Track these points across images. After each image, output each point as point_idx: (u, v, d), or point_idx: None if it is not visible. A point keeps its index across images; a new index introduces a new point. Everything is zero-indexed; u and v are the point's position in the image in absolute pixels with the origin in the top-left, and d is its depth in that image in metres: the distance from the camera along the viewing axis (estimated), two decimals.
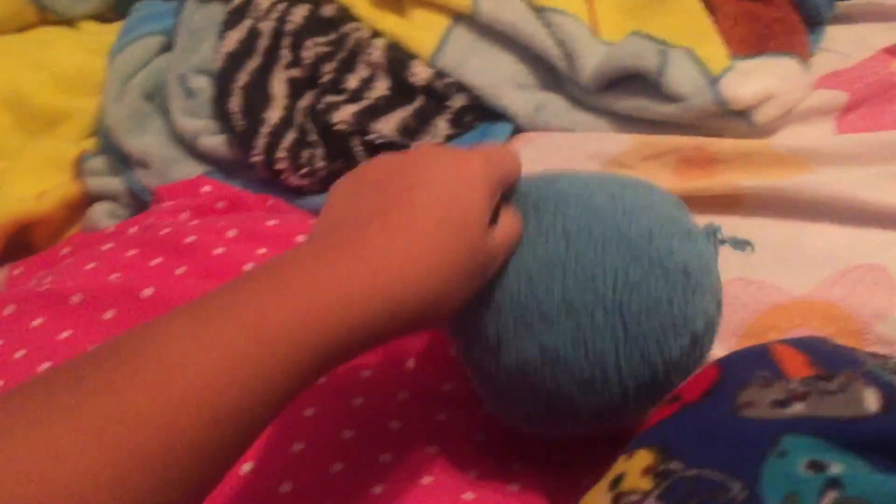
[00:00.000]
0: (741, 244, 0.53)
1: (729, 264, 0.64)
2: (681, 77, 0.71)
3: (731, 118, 0.70)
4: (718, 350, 0.59)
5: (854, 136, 0.68)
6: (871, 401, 0.34)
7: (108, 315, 0.60)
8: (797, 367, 0.41)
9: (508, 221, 0.47)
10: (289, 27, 0.82)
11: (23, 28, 0.97)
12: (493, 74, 0.79)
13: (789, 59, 0.72)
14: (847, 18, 0.80)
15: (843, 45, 0.78)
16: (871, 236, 0.63)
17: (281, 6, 0.83)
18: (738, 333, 0.60)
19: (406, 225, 0.39)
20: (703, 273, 0.47)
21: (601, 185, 0.49)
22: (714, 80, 0.70)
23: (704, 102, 0.70)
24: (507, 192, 0.48)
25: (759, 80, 0.70)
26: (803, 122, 0.71)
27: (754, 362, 0.40)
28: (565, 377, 0.45)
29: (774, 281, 0.62)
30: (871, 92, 0.71)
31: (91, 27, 0.98)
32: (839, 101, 0.71)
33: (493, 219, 0.44)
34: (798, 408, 0.34)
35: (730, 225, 0.66)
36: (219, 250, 0.64)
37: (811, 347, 0.45)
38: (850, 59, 0.75)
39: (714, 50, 0.73)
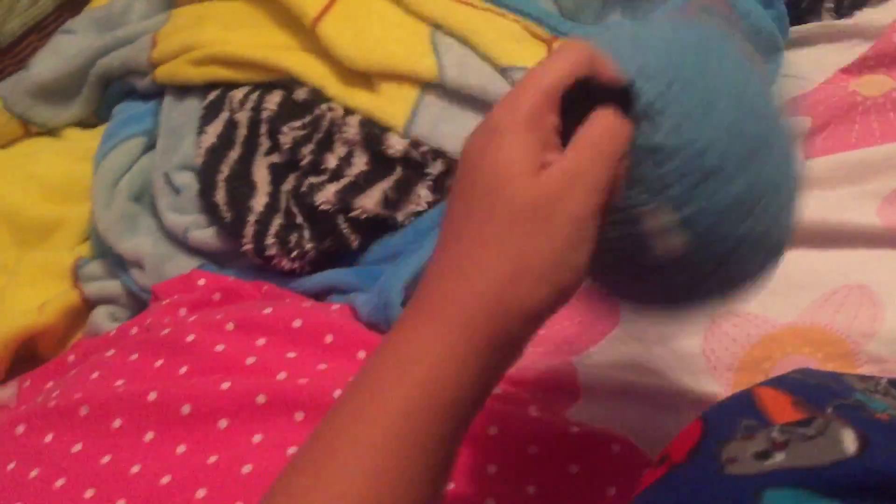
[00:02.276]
0: None
1: None
2: None
3: None
4: (714, 386, 0.61)
5: (821, 159, 0.70)
6: (849, 442, 0.35)
7: (116, 423, 0.61)
8: (781, 409, 0.42)
9: (584, 139, 0.38)
10: (264, 115, 0.84)
11: (10, 142, 1.00)
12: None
13: None
14: (804, 42, 0.83)
15: (803, 68, 0.80)
16: (851, 257, 0.64)
17: (254, 95, 0.86)
18: (732, 368, 0.61)
19: (476, 241, 0.37)
20: None
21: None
22: None
23: None
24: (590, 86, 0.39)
25: None
26: None
27: (738, 411, 0.41)
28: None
29: (761, 311, 0.64)
30: (833, 114, 0.72)
31: (74, 134, 1.00)
32: (804, 127, 0.73)
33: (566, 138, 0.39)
34: (779, 458, 0.35)
35: None
36: (219, 347, 0.66)
37: (795, 385, 0.47)
38: (811, 82, 0.77)
39: None
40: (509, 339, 0.37)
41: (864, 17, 0.81)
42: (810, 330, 0.61)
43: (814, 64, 0.79)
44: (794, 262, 0.66)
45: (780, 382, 0.46)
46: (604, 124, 0.38)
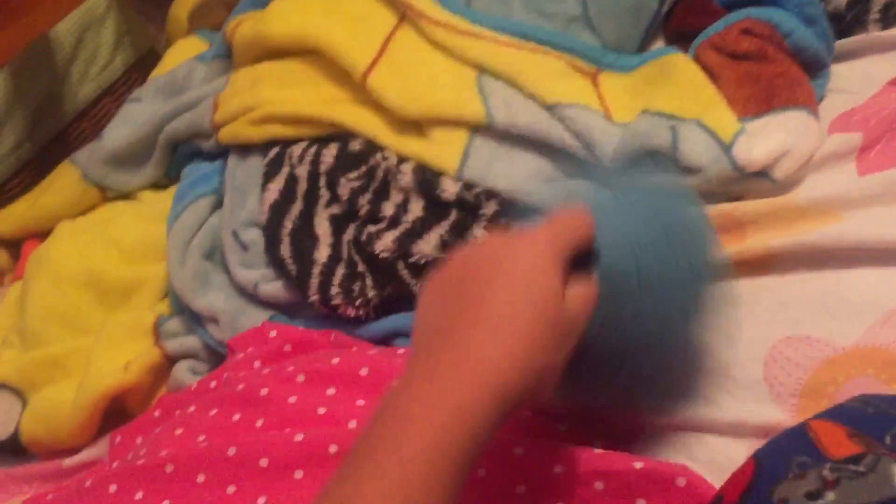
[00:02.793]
0: None
1: (775, 324, 0.66)
2: (694, 150, 0.73)
3: (752, 179, 0.72)
4: (778, 414, 0.61)
5: (874, 176, 0.69)
6: None
7: (200, 479, 0.64)
8: (837, 443, 0.42)
9: (581, 290, 0.50)
10: (322, 168, 0.88)
11: (88, 209, 1.06)
12: (519, 175, 0.82)
13: (797, 112, 0.74)
14: (851, 55, 0.82)
15: (851, 82, 0.79)
16: None
17: (312, 150, 0.89)
18: (796, 394, 0.61)
19: (491, 321, 0.44)
20: None
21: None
22: (727, 148, 0.72)
23: (721, 170, 0.72)
24: (584, 254, 0.53)
25: (770, 138, 0.72)
26: (824, 170, 0.73)
27: (792, 448, 0.41)
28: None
29: (822, 334, 0.63)
30: (884, 128, 0.72)
31: (148, 196, 1.06)
32: (855, 143, 0.72)
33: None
34: (830, 498, 0.36)
35: (768, 284, 0.68)
36: (292, 399, 0.69)
37: (852, 415, 0.47)
38: (860, 96, 0.77)
39: (722, 116, 0.75)
40: (509, 413, 0.44)
41: None
42: (873, 352, 0.60)
43: (862, 77, 0.79)
44: (852, 282, 0.65)
45: (836, 414, 0.47)
46: (586, 289, 0.51)
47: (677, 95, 0.80)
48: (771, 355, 0.63)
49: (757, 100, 0.76)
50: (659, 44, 0.91)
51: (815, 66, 0.79)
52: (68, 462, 0.86)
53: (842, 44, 0.82)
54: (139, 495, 0.65)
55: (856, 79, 0.79)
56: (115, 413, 0.89)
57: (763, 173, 0.72)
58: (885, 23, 0.81)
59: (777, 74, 0.76)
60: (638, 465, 0.58)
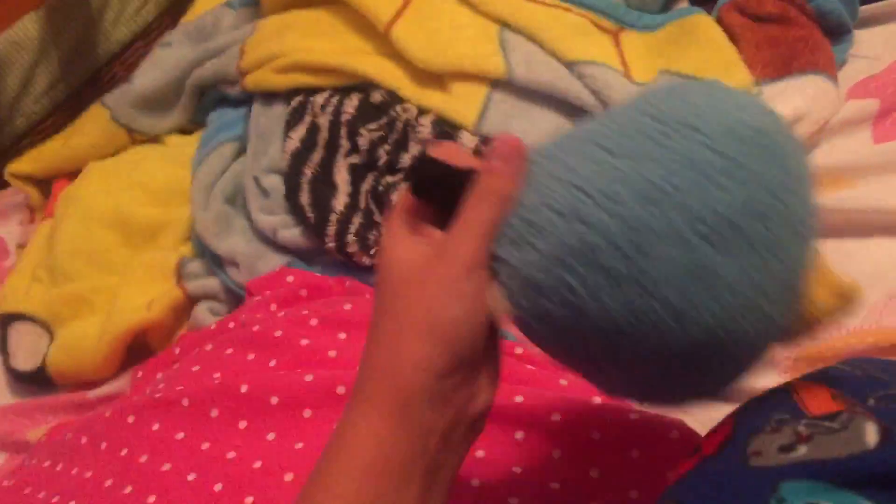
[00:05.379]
0: None
1: None
2: None
3: None
4: (772, 375, 0.62)
5: (890, 144, 0.69)
6: (871, 435, 0.37)
7: (214, 413, 0.67)
8: (819, 403, 0.44)
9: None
10: (344, 118, 0.89)
11: (117, 151, 1.09)
12: (536, 132, 0.83)
13: (816, 77, 0.74)
14: (875, 20, 0.81)
15: (874, 48, 0.79)
16: None
17: (334, 100, 0.91)
18: (790, 356, 0.62)
19: (385, 324, 0.44)
20: None
21: None
22: None
23: None
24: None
25: (786, 102, 0.72)
26: (840, 135, 0.73)
27: (772, 406, 0.43)
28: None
29: None
30: None
31: (175, 140, 1.08)
32: (871, 110, 0.72)
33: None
34: (802, 451, 0.37)
35: None
36: (304, 341, 0.71)
37: (838, 377, 0.48)
38: (881, 62, 0.76)
39: (739, 79, 0.75)
40: (416, 397, 0.41)
41: None
42: (875, 331, 0.61)
43: (885, 43, 0.78)
44: (861, 255, 0.65)
45: (822, 376, 0.48)
46: (470, 202, 0.42)
47: (697, 56, 0.80)
48: None
49: (777, 63, 0.76)
50: (682, 3, 0.91)
51: (837, 31, 0.79)
52: (92, 394, 0.90)
53: (866, 9, 0.81)
54: (156, 426, 0.68)
55: (879, 45, 0.79)
56: (138, 348, 0.92)
57: None
58: None
59: (798, 38, 0.76)
60: (633, 416, 0.60)
